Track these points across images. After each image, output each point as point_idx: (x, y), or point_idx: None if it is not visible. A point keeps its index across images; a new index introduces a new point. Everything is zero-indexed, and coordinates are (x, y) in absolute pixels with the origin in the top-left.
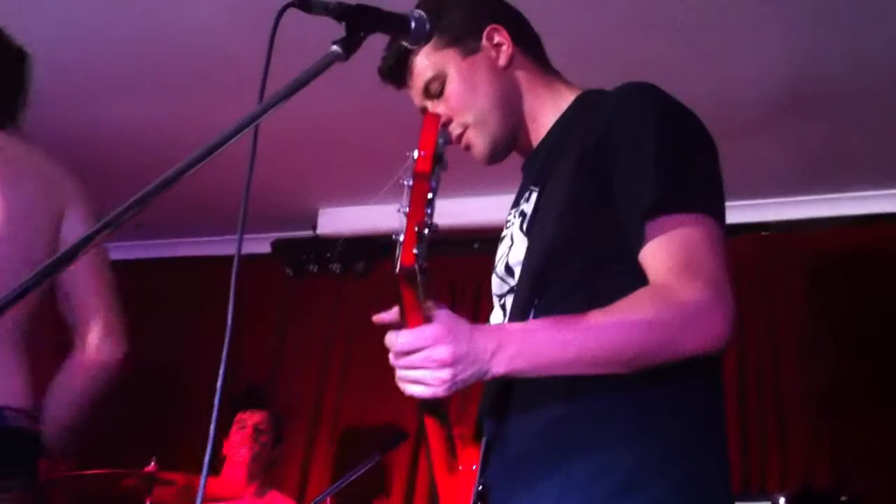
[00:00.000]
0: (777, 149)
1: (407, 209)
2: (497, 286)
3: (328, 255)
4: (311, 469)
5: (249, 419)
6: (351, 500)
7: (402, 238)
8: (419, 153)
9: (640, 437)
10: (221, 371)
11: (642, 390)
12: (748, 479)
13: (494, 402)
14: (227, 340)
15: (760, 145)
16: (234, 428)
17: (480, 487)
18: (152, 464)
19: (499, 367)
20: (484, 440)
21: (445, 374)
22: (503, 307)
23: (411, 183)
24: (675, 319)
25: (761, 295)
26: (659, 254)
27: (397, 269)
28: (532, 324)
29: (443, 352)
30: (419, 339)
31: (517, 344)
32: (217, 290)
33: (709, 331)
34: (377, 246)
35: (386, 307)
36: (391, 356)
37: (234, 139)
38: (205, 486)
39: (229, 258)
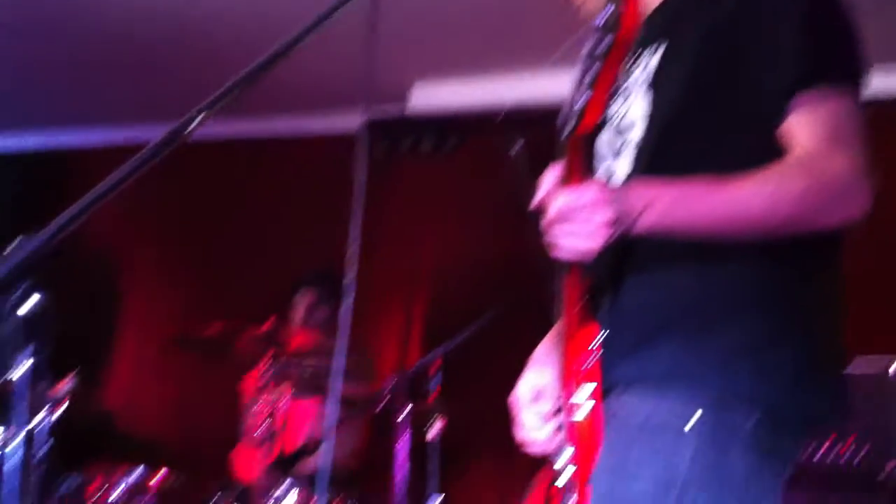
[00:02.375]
0: None
1: (587, 77)
2: (608, 145)
3: (419, 133)
4: (409, 344)
5: (303, 298)
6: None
7: (580, 104)
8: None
9: (759, 305)
10: (353, 248)
11: (767, 259)
12: (862, 340)
13: (611, 270)
14: (357, 218)
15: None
16: (294, 304)
17: (597, 352)
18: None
19: (647, 222)
20: (601, 308)
21: (602, 229)
22: (615, 165)
23: (599, 49)
24: (824, 190)
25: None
26: (805, 127)
27: (573, 133)
28: (680, 183)
29: (602, 209)
30: (581, 198)
31: (667, 202)
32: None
33: (853, 203)
34: (470, 123)
35: (477, 185)
36: (550, 215)
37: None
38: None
39: (319, 138)
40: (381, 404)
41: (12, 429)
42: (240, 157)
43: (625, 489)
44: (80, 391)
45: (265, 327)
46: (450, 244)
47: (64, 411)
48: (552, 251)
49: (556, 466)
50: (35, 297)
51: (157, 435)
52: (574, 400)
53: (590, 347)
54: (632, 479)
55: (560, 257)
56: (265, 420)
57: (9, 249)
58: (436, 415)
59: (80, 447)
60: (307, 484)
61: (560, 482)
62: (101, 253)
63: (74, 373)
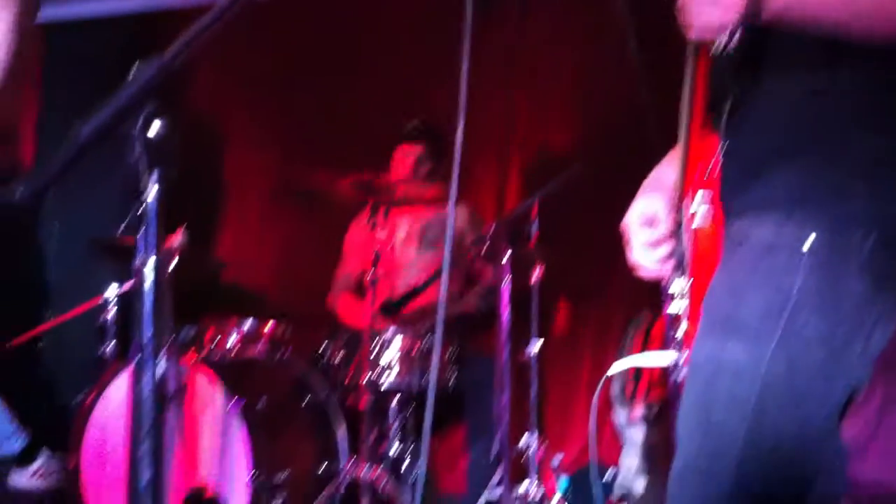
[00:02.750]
0: None
1: None
2: None
3: None
4: (506, 192)
5: (410, 150)
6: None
7: None
8: None
9: (875, 125)
10: (462, 101)
11: (883, 78)
12: None
13: (732, 78)
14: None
15: None
16: (397, 157)
17: (716, 164)
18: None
19: (772, 7)
20: (720, 119)
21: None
22: None
23: None
24: None
25: None
26: None
27: None
28: None
29: None
30: None
31: None
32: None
33: None
34: None
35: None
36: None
37: None
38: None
39: None
40: (483, 249)
41: (142, 256)
42: (347, 7)
43: (736, 310)
44: (189, 246)
45: (368, 177)
46: (547, 91)
47: (175, 265)
48: (686, 32)
49: (670, 291)
50: (158, 123)
51: (264, 286)
52: (692, 209)
53: (709, 159)
54: (743, 300)
55: (693, 36)
56: (369, 267)
57: (131, 74)
58: (535, 259)
59: (191, 300)
60: (411, 329)
61: (673, 309)
62: (203, 110)
63: (183, 228)
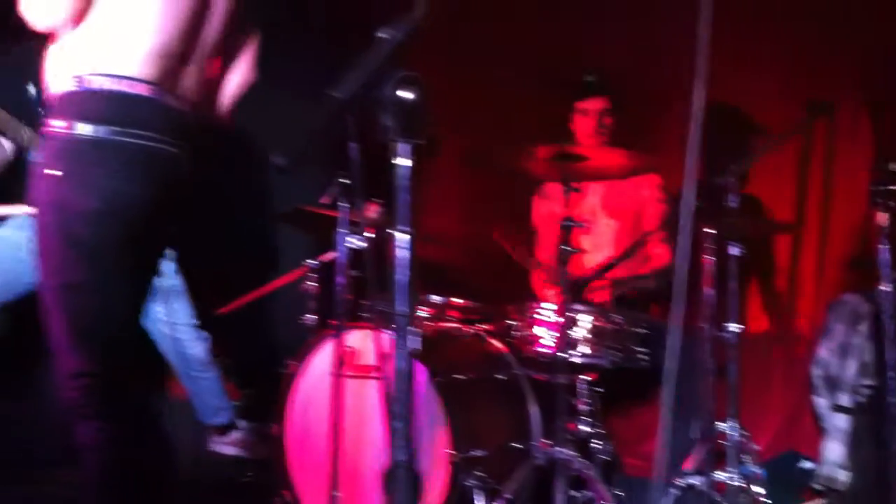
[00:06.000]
0: None
1: None
2: None
3: None
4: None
5: (591, 106)
6: None
7: None
8: None
9: None
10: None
11: None
12: None
13: None
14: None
15: None
16: (576, 116)
17: None
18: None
19: None
20: None
21: None
22: None
23: None
24: None
25: None
26: None
27: None
28: None
29: None
30: None
31: None
32: None
33: None
34: None
35: None
36: None
37: None
38: None
39: None
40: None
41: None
42: None
43: None
44: (386, 218)
45: (557, 148)
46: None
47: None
48: None
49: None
50: (411, 88)
51: (454, 260)
52: None
53: None
54: None
55: None
56: (559, 242)
57: (377, 36)
58: (736, 236)
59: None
60: (599, 307)
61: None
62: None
63: (382, 202)
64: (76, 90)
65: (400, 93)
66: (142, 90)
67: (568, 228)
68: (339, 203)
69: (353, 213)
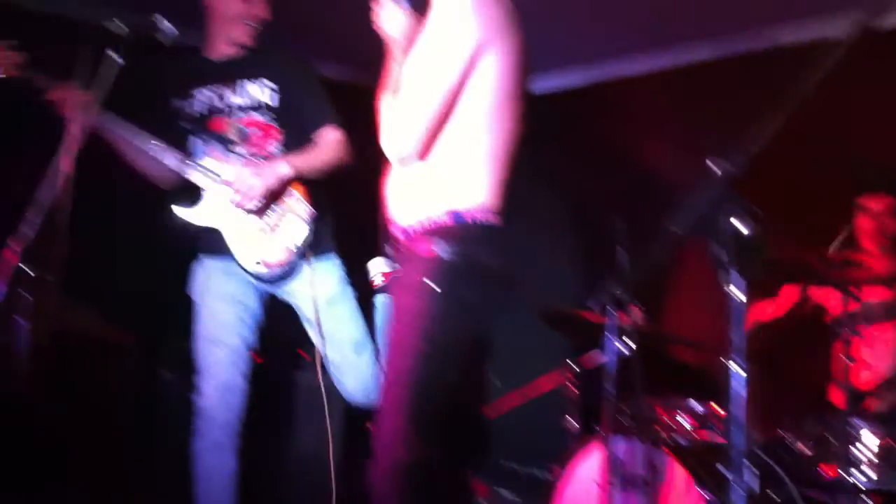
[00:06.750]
0: None
1: None
2: None
3: None
4: None
5: (872, 204)
6: None
7: None
8: None
9: None
10: None
11: None
12: None
13: None
14: None
15: None
16: (858, 212)
17: None
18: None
19: None
20: None
21: None
22: None
23: None
24: None
25: None
26: None
27: None
28: None
29: None
30: None
31: None
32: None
33: None
34: None
35: None
36: None
37: None
38: None
39: None
40: None
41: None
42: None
43: None
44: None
45: (833, 253)
46: None
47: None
48: None
49: None
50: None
51: (703, 362)
52: None
53: None
54: None
55: None
56: (842, 351)
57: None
58: None
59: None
60: (878, 424)
61: None
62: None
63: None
64: (452, 223)
65: (737, 225)
66: (495, 220)
67: (848, 338)
68: (608, 307)
69: (622, 317)
